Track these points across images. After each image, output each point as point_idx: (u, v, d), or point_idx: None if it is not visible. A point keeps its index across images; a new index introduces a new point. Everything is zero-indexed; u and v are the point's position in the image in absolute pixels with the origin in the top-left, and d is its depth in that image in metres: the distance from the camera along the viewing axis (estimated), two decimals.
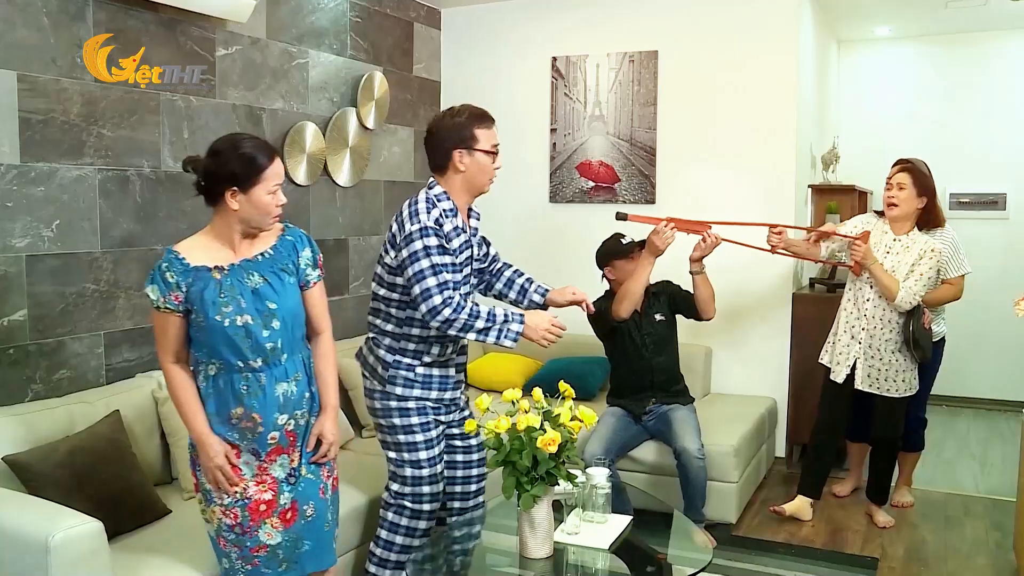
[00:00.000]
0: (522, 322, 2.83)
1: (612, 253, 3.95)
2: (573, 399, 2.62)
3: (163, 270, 2.36)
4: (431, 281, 2.76)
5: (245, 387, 2.39)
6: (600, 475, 2.84)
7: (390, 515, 3.01)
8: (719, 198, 4.82)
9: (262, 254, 2.45)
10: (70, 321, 3.24)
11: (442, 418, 3.02)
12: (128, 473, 2.89)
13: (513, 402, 2.57)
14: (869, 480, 4.15)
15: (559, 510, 2.83)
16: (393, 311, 2.93)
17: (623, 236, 3.98)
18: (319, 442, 2.54)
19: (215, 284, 2.36)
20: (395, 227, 2.86)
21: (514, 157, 5.19)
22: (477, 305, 2.82)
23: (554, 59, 5.21)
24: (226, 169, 2.34)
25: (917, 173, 3.81)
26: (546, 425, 2.50)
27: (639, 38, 5.01)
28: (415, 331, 2.92)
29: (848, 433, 4.29)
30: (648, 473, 4.04)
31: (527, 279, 3.19)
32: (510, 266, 3.23)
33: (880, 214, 4.31)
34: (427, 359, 2.95)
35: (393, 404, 2.94)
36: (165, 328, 2.39)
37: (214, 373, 2.40)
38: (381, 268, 2.95)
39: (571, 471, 2.60)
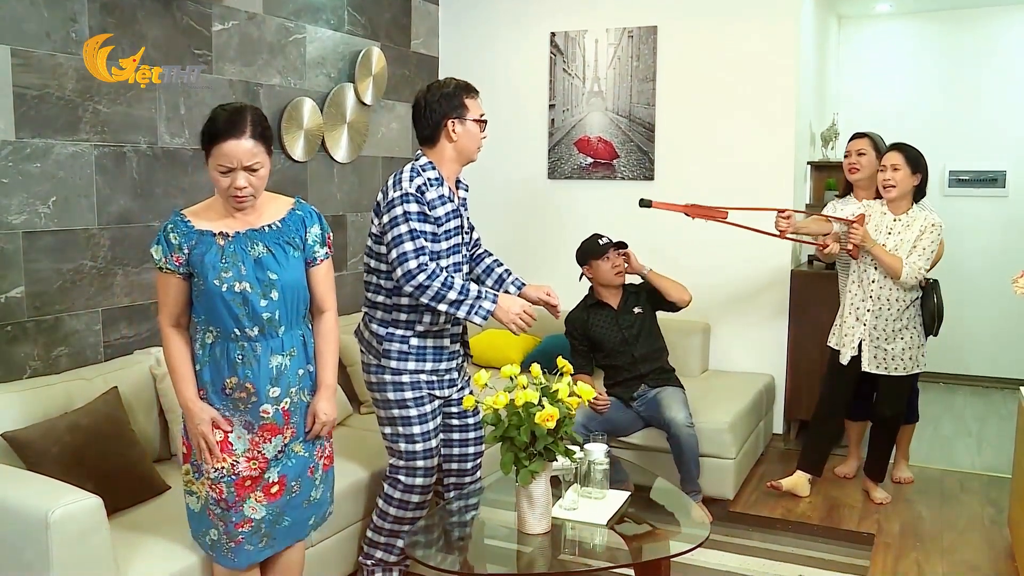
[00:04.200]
0: (494, 302, 2.86)
1: (588, 253, 4.04)
2: (571, 375, 2.62)
3: (168, 231, 2.37)
4: (408, 246, 2.79)
5: (240, 356, 2.38)
6: (598, 451, 2.85)
7: (385, 487, 3.08)
8: (717, 175, 4.81)
9: (269, 225, 2.44)
10: (68, 298, 3.24)
11: (436, 392, 3.03)
12: (127, 449, 2.90)
13: (511, 378, 2.58)
14: (868, 457, 4.17)
15: (557, 486, 2.85)
16: (383, 281, 2.96)
17: (600, 236, 4.04)
18: (314, 420, 2.53)
19: (217, 249, 2.36)
20: (380, 196, 2.91)
21: (512, 133, 5.18)
22: (453, 277, 2.83)
23: (553, 34, 5.17)
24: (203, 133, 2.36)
25: (909, 151, 3.80)
26: (544, 401, 2.50)
27: (638, 13, 4.97)
28: (404, 300, 2.93)
29: (849, 412, 4.29)
30: (641, 450, 4.06)
31: (505, 270, 3.22)
32: (491, 254, 3.26)
33: (844, 195, 4.30)
34: (420, 328, 2.96)
35: (388, 378, 2.97)
36: (167, 289, 2.40)
37: (211, 341, 2.40)
38: (371, 240, 2.98)
39: (569, 447, 2.61)
